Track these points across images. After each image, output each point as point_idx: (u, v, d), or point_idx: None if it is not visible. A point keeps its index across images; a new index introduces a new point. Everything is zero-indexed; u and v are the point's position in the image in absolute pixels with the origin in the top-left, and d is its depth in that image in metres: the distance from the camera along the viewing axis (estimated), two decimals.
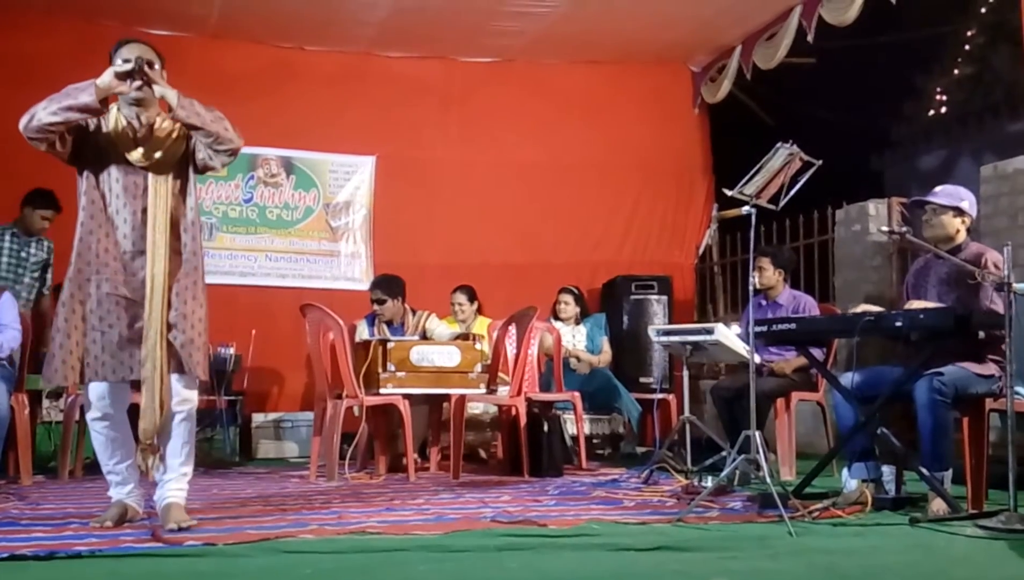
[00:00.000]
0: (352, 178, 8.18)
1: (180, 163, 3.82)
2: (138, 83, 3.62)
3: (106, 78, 3.59)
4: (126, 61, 3.65)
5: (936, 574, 3.03)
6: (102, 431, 3.77)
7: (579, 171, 8.44)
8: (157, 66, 3.73)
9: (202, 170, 3.86)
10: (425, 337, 6.28)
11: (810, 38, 7.16)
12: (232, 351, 6.87)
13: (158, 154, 3.75)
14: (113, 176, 3.74)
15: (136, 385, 3.74)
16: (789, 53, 7.53)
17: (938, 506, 4.00)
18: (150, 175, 3.74)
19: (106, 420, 3.76)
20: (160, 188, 3.74)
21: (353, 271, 8.10)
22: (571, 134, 8.46)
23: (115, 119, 3.76)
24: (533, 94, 8.43)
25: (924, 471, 4.06)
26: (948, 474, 4.13)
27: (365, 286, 7.96)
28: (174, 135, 3.78)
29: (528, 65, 8.43)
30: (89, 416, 3.79)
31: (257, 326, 7.21)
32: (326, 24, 7.62)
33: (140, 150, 3.73)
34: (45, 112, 3.55)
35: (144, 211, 3.72)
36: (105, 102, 3.63)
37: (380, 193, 8.18)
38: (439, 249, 8.11)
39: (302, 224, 8.06)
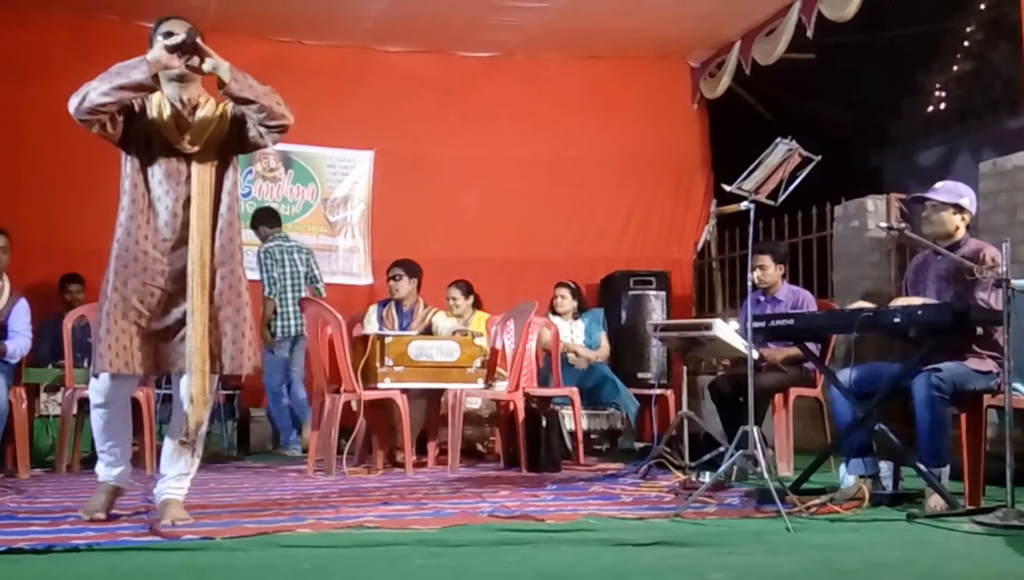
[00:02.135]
0: (350, 173, 8.18)
1: (223, 148, 3.72)
2: (189, 57, 3.51)
3: (157, 52, 3.49)
4: (170, 34, 3.56)
5: (933, 570, 3.03)
6: (102, 417, 3.74)
7: (577, 166, 8.44)
8: (199, 41, 3.62)
9: (252, 148, 3.77)
10: (429, 331, 6.29)
11: (809, 34, 7.17)
12: None
13: (203, 140, 3.65)
14: (156, 161, 3.64)
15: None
16: (788, 49, 7.53)
17: (935, 502, 4.00)
18: (194, 162, 3.65)
19: (107, 408, 3.72)
20: (204, 175, 3.65)
21: (351, 266, 8.10)
22: (570, 129, 8.46)
23: (159, 102, 3.66)
24: (532, 89, 8.43)
25: (921, 467, 4.06)
26: (946, 470, 4.13)
27: (363, 280, 8.00)
28: (217, 118, 3.69)
29: (527, 60, 8.43)
30: (92, 401, 3.75)
31: (255, 320, 7.19)
32: (324, 18, 7.61)
33: (187, 136, 3.64)
34: (96, 92, 3.46)
35: (187, 199, 3.63)
36: (157, 78, 3.53)
37: (378, 188, 8.18)
38: (437, 244, 8.10)
39: (300, 218, 8.05)
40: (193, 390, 3.61)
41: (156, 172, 3.65)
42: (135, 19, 6.89)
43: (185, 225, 3.63)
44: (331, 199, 8.12)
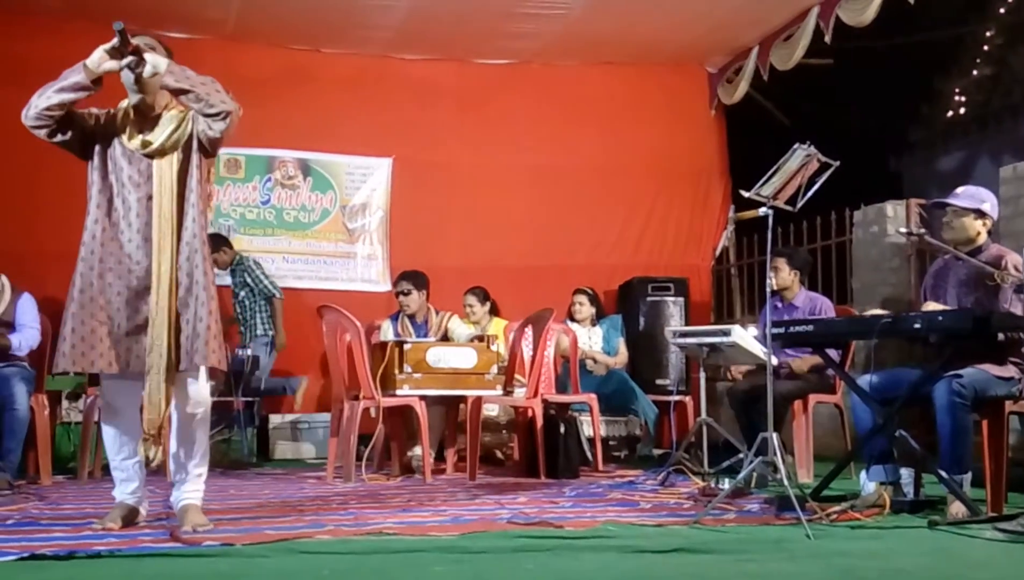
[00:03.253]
0: (368, 180, 8.20)
1: (184, 148, 3.77)
2: (128, 59, 3.55)
3: (95, 56, 3.58)
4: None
5: (955, 578, 3.01)
6: (111, 425, 3.78)
7: (595, 173, 8.44)
8: (159, 50, 3.71)
9: (211, 149, 3.80)
10: (447, 338, 6.29)
11: (828, 39, 7.14)
12: (249, 352, 6.90)
13: (160, 140, 3.71)
14: (118, 165, 3.72)
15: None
16: (806, 54, 7.51)
17: (957, 509, 3.97)
18: (154, 162, 3.72)
19: (116, 415, 3.76)
20: (164, 175, 3.71)
21: (370, 273, 8.13)
22: (587, 136, 8.46)
23: (124, 107, 3.75)
24: (549, 96, 8.44)
25: (943, 474, 4.04)
26: (967, 477, 4.10)
27: (382, 287, 8.01)
28: (179, 120, 3.76)
29: (544, 67, 8.44)
30: (101, 409, 3.81)
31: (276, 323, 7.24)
32: (342, 27, 7.65)
33: (140, 137, 3.71)
34: (41, 98, 3.58)
35: (149, 199, 3.69)
36: (100, 81, 3.60)
37: (396, 195, 8.20)
38: (455, 251, 8.12)
39: (319, 226, 8.08)
40: (149, 387, 3.63)
41: (119, 175, 3.72)
42: (156, 28, 6.89)
43: (148, 224, 3.69)
44: (349, 206, 8.15)
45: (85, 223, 3.74)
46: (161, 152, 3.72)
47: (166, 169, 3.72)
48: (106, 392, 3.76)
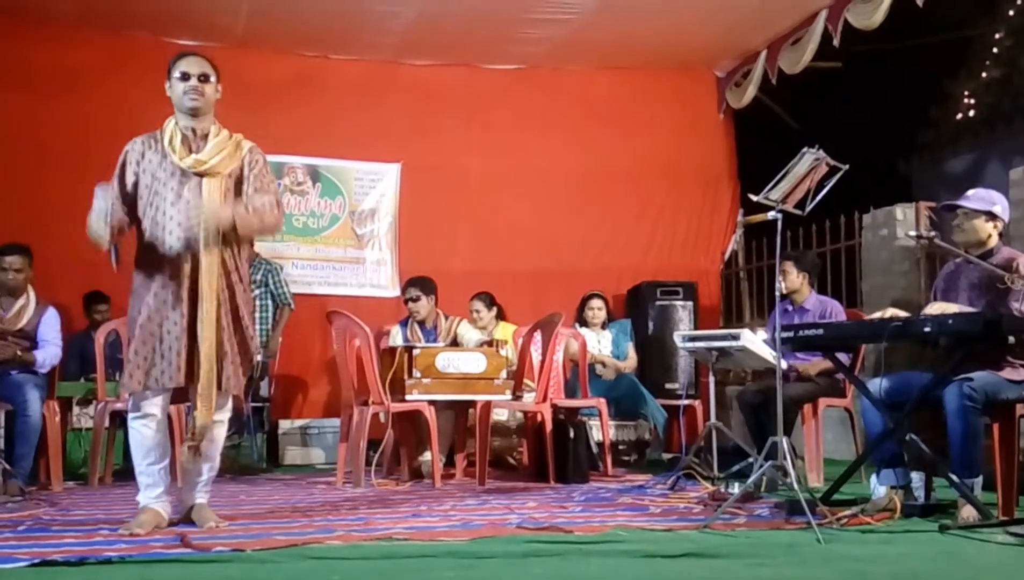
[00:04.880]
0: (377, 186, 8.21)
1: (234, 173, 3.90)
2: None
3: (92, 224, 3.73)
4: (186, 76, 3.81)
5: None
6: (141, 429, 3.83)
7: (604, 177, 8.43)
8: (213, 78, 3.87)
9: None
10: (456, 342, 6.30)
11: (836, 42, 7.13)
12: (259, 358, 6.92)
13: (214, 160, 3.83)
14: (167, 184, 3.82)
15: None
16: (815, 57, 7.49)
17: (968, 513, 3.96)
18: (205, 180, 3.82)
19: (147, 419, 3.83)
20: (214, 194, 3.81)
21: (379, 278, 8.13)
22: (596, 140, 8.45)
23: (171, 131, 3.86)
24: (558, 101, 8.44)
25: (954, 477, 4.02)
26: (978, 480, 4.09)
27: (391, 293, 8.02)
28: (231, 147, 3.89)
29: (552, 72, 8.44)
30: (132, 414, 3.86)
31: (283, 333, 7.24)
32: (350, 33, 7.66)
33: (194, 156, 3.82)
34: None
35: (199, 215, 3.79)
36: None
37: (405, 200, 8.20)
38: (464, 256, 8.12)
39: (328, 232, 8.09)
40: (201, 395, 3.77)
41: (167, 194, 3.82)
42: (164, 36, 6.97)
43: (199, 241, 3.79)
44: (358, 212, 8.16)
45: (137, 244, 3.86)
46: (212, 171, 3.83)
47: (216, 188, 3.83)
48: (141, 398, 3.81)
